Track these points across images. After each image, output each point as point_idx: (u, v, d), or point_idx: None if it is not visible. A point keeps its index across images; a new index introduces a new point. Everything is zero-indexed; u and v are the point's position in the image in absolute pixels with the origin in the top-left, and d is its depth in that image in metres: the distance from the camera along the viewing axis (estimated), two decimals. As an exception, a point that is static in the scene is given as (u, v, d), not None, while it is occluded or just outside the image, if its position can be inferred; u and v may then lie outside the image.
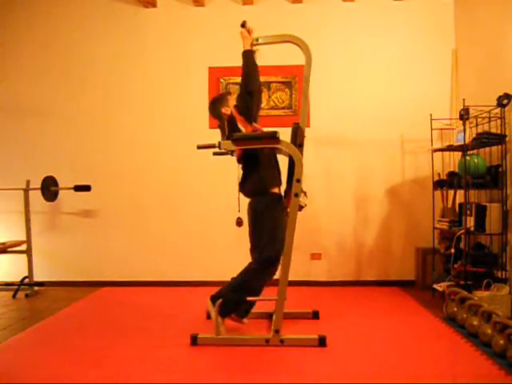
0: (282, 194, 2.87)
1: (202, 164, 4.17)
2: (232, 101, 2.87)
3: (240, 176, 2.86)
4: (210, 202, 4.25)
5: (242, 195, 2.86)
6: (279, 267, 2.67)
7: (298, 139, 2.72)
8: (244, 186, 2.84)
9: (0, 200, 4.32)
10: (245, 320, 2.84)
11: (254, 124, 2.76)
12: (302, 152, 2.69)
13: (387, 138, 4.19)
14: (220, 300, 2.68)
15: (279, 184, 2.88)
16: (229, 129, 2.72)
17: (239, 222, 2.90)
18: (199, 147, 2.80)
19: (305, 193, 2.72)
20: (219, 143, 2.61)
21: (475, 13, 3.83)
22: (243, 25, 2.72)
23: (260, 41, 2.73)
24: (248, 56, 2.71)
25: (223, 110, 2.84)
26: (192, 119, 4.27)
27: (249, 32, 2.75)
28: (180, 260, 4.26)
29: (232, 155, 2.97)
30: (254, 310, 3.10)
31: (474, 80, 3.86)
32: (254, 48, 2.80)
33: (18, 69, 4.35)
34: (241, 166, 2.87)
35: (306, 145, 2.81)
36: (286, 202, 2.80)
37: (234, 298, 2.73)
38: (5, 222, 4.34)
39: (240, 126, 2.70)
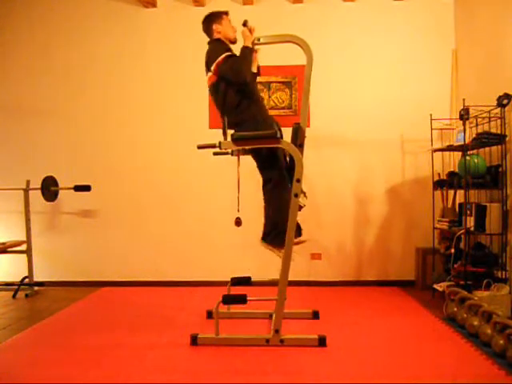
0: None
1: (202, 164, 4.17)
2: (226, 21, 2.89)
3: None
4: (209, 201, 4.25)
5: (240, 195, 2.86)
6: (279, 267, 2.66)
7: (298, 139, 2.72)
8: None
9: (0, 200, 4.32)
10: (302, 237, 2.86)
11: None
12: (302, 152, 2.70)
13: (387, 137, 4.19)
14: (273, 235, 2.74)
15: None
16: (210, 54, 2.78)
17: (238, 222, 2.90)
18: (199, 147, 2.79)
19: (304, 193, 2.73)
20: (219, 143, 2.60)
21: (475, 13, 3.83)
22: (245, 24, 2.72)
23: (261, 40, 2.73)
24: (246, 52, 2.72)
25: (214, 27, 2.86)
26: (192, 119, 4.27)
27: (250, 31, 2.75)
28: (180, 260, 4.26)
29: (232, 155, 2.97)
30: (254, 310, 3.11)
31: (474, 80, 3.86)
32: (256, 47, 2.80)
33: (18, 69, 4.35)
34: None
35: (306, 145, 2.81)
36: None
37: (282, 225, 2.64)
38: (5, 222, 4.34)
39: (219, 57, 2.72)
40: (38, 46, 4.34)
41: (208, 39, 2.94)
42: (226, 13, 2.95)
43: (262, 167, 2.85)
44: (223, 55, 2.74)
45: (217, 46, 2.85)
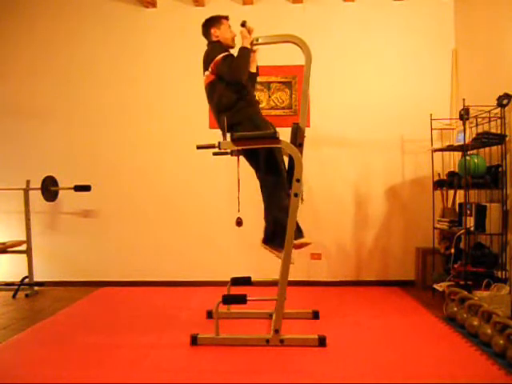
0: None
1: (202, 164, 4.17)
2: (226, 26, 2.90)
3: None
4: (210, 201, 4.25)
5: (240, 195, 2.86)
6: (279, 267, 2.66)
7: (297, 139, 2.72)
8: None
9: (0, 200, 4.32)
10: (305, 238, 2.82)
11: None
12: (301, 152, 2.70)
13: (387, 137, 4.19)
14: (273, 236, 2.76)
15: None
16: (208, 57, 2.80)
17: (239, 222, 2.90)
18: (199, 147, 2.79)
19: (302, 198, 2.71)
20: (219, 143, 2.60)
21: (475, 13, 3.83)
22: (243, 24, 2.72)
23: (260, 41, 2.73)
24: (245, 53, 2.72)
25: (212, 31, 2.89)
26: (192, 119, 4.27)
27: (249, 32, 2.75)
28: (180, 260, 4.25)
29: (232, 155, 2.97)
30: (254, 310, 3.11)
31: (474, 80, 3.86)
32: (254, 48, 2.80)
33: (18, 69, 4.35)
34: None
35: (305, 144, 2.81)
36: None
37: (282, 227, 2.66)
38: (5, 222, 4.34)
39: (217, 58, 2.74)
40: (38, 46, 4.34)
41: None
42: (226, 17, 2.96)
43: (260, 169, 2.84)
44: (221, 54, 2.75)
45: (215, 46, 2.86)
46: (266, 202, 2.84)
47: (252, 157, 2.84)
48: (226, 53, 2.79)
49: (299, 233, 2.81)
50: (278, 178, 2.77)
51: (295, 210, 2.58)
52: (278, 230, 2.72)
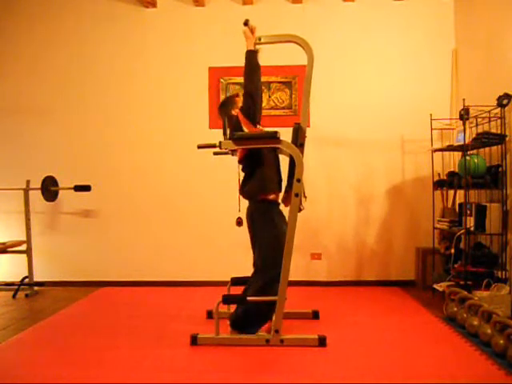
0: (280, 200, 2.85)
1: (203, 164, 4.17)
2: (240, 102, 2.87)
3: (240, 176, 2.86)
4: (210, 201, 4.25)
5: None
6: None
7: (299, 139, 2.72)
8: (243, 188, 2.83)
9: (0, 200, 4.32)
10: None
11: (258, 126, 2.76)
12: (302, 152, 2.69)
13: (387, 137, 4.19)
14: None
15: (278, 190, 2.84)
16: (231, 129, 2.71)
17: (239, 222, 2.91)
18: (199, 147, 2.80)
19: (305, 195, 2.72)
20: (220, 143, 2.60)
21: (475, 12, 3.83)
22: (246, 23, 2.71)
23: (262, 40, 2.73)
24: (251, 56, 2.71)
25: (233, 112, 2.84)
26: (192, 119, 4.27)
27: (252, 31, 2.74)
28: (180, 260, 4.25)
29: (233, 155, 2.97)
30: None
31: (474, 80, 3.86)
32: (257, 47, 2.80)
33: (18, 69, 4.35)
34: (241, 166, 2.86)
35: (306, 144, 2.81)
36: (286, 202, 2.80)
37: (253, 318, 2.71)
38: (5, 222, 4.34)
39: (244, 128, 2.68)
40: (38, 46, 4.34)
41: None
42: (238, 95, 2.96)
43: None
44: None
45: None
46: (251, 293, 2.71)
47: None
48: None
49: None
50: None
51: (295, 209, 2.58)
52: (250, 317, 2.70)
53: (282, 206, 2.86)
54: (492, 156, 3.42)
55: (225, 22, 4.23)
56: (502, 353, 2.30)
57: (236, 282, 3.06)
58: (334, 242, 4.23)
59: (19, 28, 4.34)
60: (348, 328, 2.93)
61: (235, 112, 2.82)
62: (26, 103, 4.34)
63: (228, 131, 2.72)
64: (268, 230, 2.73)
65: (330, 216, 4.23)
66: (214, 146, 2.69)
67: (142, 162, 4.30)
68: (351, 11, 4.22)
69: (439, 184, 3.73)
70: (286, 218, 2.65)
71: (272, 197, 2.78)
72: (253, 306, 2.66)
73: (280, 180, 2.87)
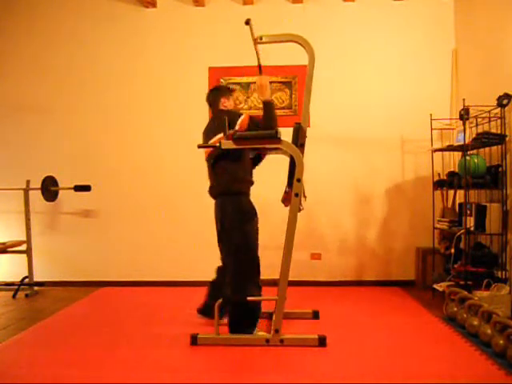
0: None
1: (202, 164, 4.14)
2: (234, 98, 2.92)
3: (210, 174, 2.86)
4: (210, 201, 4.23)
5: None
6: (279, 267, 2.66)
7: (299, 139, 2.72)
8: (212, 185, 2.85)
9: (0, 200, 4.32)
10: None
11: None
12: (303, 152, 2.69)
13: (387, 137, 4.19)
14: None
15: (250, 184, 2.85)
16: (216, 123, 2.75)
17: None
18: (200, 147, 2.80)
19: (305, 195, 2.72)
20: (220, 143, 2.61)
21: (475, 12, 3.83)
22: (247, 22, 2.71)
23: (264, 39, 2.73)
24: (270, 108, 2.67)
25: (222, 100, 2.88)
26: (192, 119, 4.26)
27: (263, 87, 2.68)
28: (180, 260, 4.25)
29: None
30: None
31: (474, 80, 3.86)
32: (258, 46, 2.78)
33: (18, 69, 4.35)
34: (209, 164, 2.85)
35: (306, 144, 2.81)
36: (286, 201, 2.80)
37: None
38: (5, 222, 4.34)
39: (227, 129, 2.63)
40: (39, 46, 4.34)
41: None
42: (234, 90, 3.03)
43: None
44: (246, 115, 2.70)
45: (230, 112, 2.79)
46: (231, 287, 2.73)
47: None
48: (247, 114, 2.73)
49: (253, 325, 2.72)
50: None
51: (296, 210, 2.58)
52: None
53: (281, 207, 2.86)
54: (492, 156, 3.42)
55: (225, 22, 4.23)
56: (502, 353, 2.30)
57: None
58: (334, 241, 4.23)
59: (19, 28, 4.34)
60: (348, 328, 2.93)
61: (223, 101, 2.86)
62: (26, 103, 4.34)
63: (214, 124, 2.76)
64: (238, 232, 2.74)
65: (330, 216, 4.23)
66: (214, 146, 2.69)
67: (142, 162, 4.30)
68: (351, 11, 4.22)
69: (439, 184, 3.73)
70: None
71: (244, 190, 2.79)
72: (241, 308, 2.67)
73: (252, 182, 2.88)
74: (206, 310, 3.01)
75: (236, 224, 2.74)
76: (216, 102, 2.92)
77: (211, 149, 2.77)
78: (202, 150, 2.87)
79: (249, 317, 2.70)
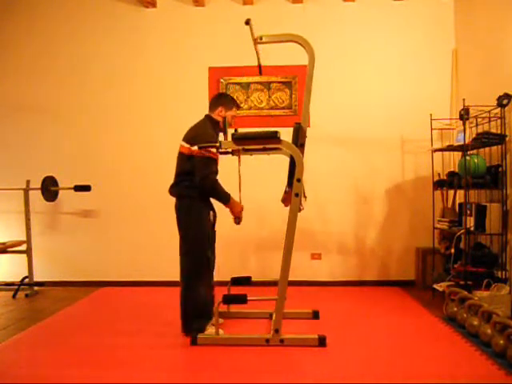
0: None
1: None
2: (233, 112, 2.90)
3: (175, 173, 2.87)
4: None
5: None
6: (279, 267, 2.65)
7: (299, 139, 2.72)
8: (173, 185, 2.88)
9: (0, 200, 4.32)
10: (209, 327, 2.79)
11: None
12: (303, 152, 2.69)
13: (387, 137, 4.19)
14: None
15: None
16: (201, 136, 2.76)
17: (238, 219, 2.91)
18: (200, 147, 2.80)
19: (305, 195, 2.71)
20: (220, 143, 2.61)
21: (475, 12, 3.83)
22: (247, 22, 2.70)
23: (264, 39, 2.73)
24: (224, 197, 2.76)
25: (219, 108, 2.87)
26: (192, 119, 4.24)
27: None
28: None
29: (233, 155, 2.98)
30: (254, 309, 3.11)
31: (474, 80, 3.85)
32: (258, 46, 2.78)
33: (18, 69, 4.35)
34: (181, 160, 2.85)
35: (306, 144, 2.80)
36: (286, 201, 2.80)
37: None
38: (5, 222, 4.33)
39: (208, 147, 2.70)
40: (39, 46, 4.34)
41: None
42: (238, 106, 3.01)
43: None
44: (203, 146, 2.69)
45: (207, 123, 2.85)
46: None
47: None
48: (209, 147, 2.70)
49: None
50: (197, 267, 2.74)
51: (296, 209, 2.58)
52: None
53: (281, 206, 2.86)
54: (492, 156, 3.42)
55: (225, 22, 4.23)
56: (502, 353, 2.30)
57: (236, 281, 3.06)
58: (334, 242, 4.23)
59: (19, 29, 4.33)
60: (348, 328, 2.93)
61: (220, 110, 2.86)
62: (26, 103, 4.34)
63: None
64: (190, 229, 2.77)
65: (330, 216, 4.22)
66: (214, 146, 2.69)
67: (142, 162, 4.30)
68: (351, 11, 4.22)
69: (439, 184, 3.73)
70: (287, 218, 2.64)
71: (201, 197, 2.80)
72: (191, 306, 2.71)
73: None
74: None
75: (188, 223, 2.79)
76: (214, 106, 2.91)
77: (186, 148, 2.76)
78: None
79: (200, 314, 2.72)
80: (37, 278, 4.08)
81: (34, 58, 4.34)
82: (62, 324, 3.10)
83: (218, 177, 2.78)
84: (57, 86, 4.33)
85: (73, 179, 4.19)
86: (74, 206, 4.34)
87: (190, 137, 2.81)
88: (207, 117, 2.92)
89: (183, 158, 2.79)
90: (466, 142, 3.26)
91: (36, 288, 4.05)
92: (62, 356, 2.48)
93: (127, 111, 4.31)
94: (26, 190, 4.04)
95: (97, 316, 3.28)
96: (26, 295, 3.91)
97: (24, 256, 3.99)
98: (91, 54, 4.31)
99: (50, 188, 4.12)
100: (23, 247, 4.00)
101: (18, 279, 4.00)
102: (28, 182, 4.07)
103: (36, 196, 4.06)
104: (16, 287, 3.94)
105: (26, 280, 4.00)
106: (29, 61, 4.34)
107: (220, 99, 2.95)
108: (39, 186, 4.05)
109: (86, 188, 4.10)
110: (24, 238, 4.02)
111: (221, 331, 2.69)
